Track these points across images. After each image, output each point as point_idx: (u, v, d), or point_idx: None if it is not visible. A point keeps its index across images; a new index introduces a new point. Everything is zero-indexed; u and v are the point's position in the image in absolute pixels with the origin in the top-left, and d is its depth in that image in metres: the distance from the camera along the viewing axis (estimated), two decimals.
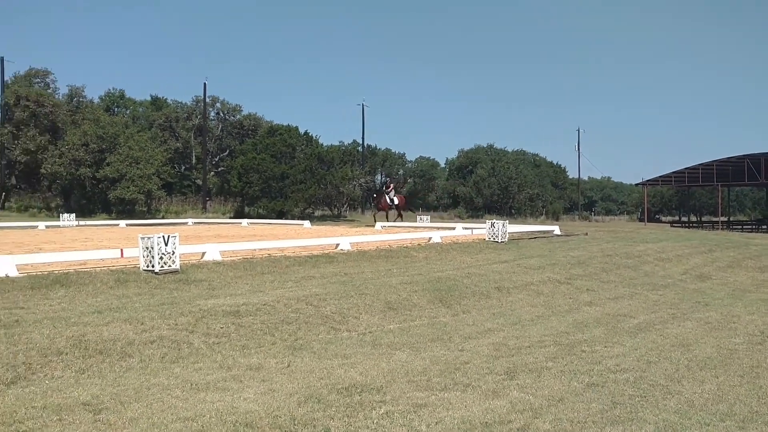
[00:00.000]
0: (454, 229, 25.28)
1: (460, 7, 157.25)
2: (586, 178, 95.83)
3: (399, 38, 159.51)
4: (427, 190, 79.04)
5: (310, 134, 51.15)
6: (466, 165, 77.18)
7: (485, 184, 64.95)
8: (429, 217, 36.10)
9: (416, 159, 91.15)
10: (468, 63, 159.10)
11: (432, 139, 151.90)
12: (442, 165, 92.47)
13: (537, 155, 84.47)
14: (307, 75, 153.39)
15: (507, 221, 21.77)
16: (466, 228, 25.26)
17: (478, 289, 12.55)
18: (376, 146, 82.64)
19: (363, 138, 67.43)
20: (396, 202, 33.06)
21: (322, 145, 52.92)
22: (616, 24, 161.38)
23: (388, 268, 14.48)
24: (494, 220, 21.16)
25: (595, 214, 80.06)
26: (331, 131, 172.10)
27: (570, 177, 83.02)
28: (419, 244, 18.91)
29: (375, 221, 32.33)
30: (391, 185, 34.25)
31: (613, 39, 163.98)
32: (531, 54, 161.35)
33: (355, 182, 53.31)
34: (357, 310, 9.93)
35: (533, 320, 10.54)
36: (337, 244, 17.05)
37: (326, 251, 16.22)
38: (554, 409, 5.63)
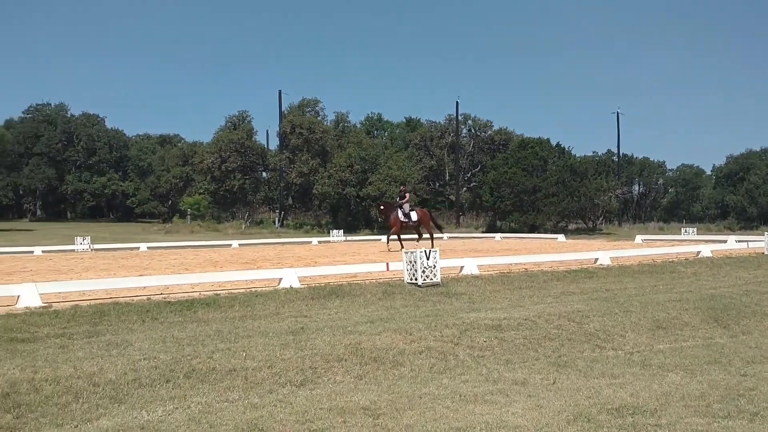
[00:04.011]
0: (725, 242, 23.22)
1: None
2: None
3: (657, 35, 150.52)
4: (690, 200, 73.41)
5: (561, 146, 50.31)
6: (737, 172, 70.40)
7: (760, 192, 58.64)
8: (695, 230, 33.54)
9: (678, 167, 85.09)
10: (737, 56, 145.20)
11: (696, 146, 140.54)
12: (708, 173, 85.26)
13: None
14: (558, 85, 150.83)
15: None
16: (739, 240, 23.05)
17: (759, 309, 11.38)
18: (632, 155, 78.68)
19: (618, 147, 64.52)
20: (414, 218, 22.98)
21: (574, 156, 51.75)
22: None
23: (653, 284, 13.71)
24: None
25: None
26: (584, 141, 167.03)
27: None
28: (686, 259, 17.68)
29: (388, 242, 24.14)
30: (407, 195, 23.73)
31: None
32: None
33: (610, 193, 51.17)
34: (622, 328, 9.52)
35: None
36: (596, 259, 16.54)
37: (584, 266, 15.80)
38: None
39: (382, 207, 24.12)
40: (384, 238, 26.91)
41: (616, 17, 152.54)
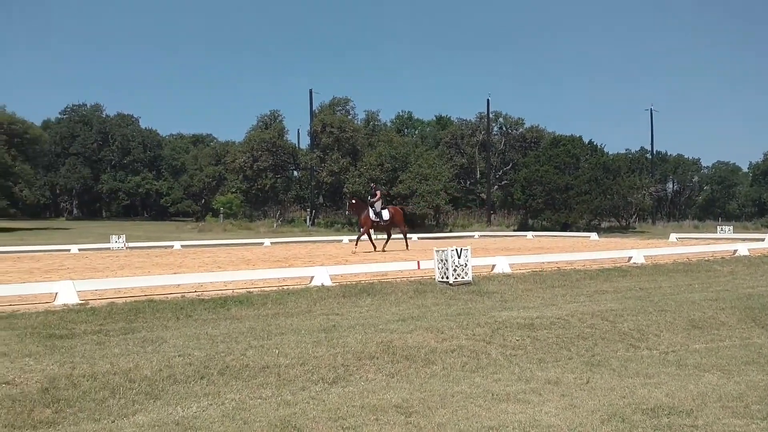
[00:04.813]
0: (763, 240, 22.78)
1: None
2: None
3: (692, 30, 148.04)
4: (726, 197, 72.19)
5: (594, 143, 49.83)
6: None
7: None
8: (731, 228, 32.96)
9: (713, 164, 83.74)
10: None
11: (732, 142, 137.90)
12: (745, 170, 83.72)
13: None
14: (589, 84, 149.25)
15: None
16: None
17: None
18: (666, 152, 77.74)
19: (652, 144, 63.72)
20: (386, 217, 21.89)
21: (607, 153, 51.24)
22: None
23: (689, 283, 13.51)
24: None
25: None
26: (617, 139, 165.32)
27: None
28: (722, 257, 17.39)
29: (355, 246, 22.27)
30: (378, 193, 22.56)
31: None
32: None
33: (644, 191, 50.56)
34: (657, 328, 9.40)
35: None
36: (630, 257, 16.37)
37: (618, 264, 15.64)
38: None
39: (353, 201, 22.68)
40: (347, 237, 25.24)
41: (648, 14, 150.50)
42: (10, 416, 5.57)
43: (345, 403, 6.01)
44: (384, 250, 21.78)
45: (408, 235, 24.08)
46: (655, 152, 67.35)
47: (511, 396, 6.21)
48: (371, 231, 22.20)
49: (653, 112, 61.87)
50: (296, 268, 14.42)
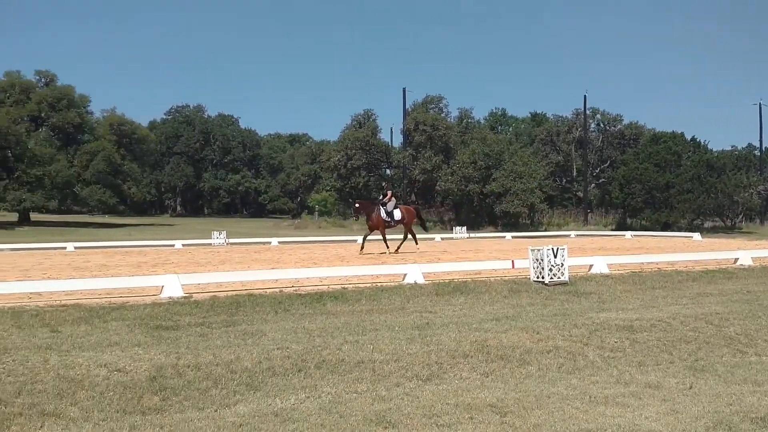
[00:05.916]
0: None
1: None
2: None
3: None
4: None
5: (697, 140, 47.87)
6: None
7: None
8: None
9: None
10: None
11: None
12: None
13: None
14: (690, 77, 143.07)
15: None
16: None
17: None
18: None
19: (760, 140, 60.36)
20: (398, 217, 20.84)
21: (711, 150, 49.09)
22: None
23: None
24: None
25: None
26: (722, 136, 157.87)
27: None
28: None
29: (362, 246, 20.95)
30: (390, 193, 21.54)
31: None
32: None
33: (751, 190, 48.02)
34: (766, 333, 8.94)
35: None
36: (736, 259, 15.65)
37: (723, 266, 14.99)
38: None
39: (357, 205, 21.63)
40: (360, 239, 23.28)
41: (750, 4, 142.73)
42: (121, 402, 5.89)
43: (439, 400, 6.02)
44: (398, 252, 20.74)
45: (419, 236, 23.29)
46: (763, 149, 63.83)
47: (609, 399, 6.06)
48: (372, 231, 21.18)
49: (762, 106, 58.69)
50: (389, 265, 14.54)
